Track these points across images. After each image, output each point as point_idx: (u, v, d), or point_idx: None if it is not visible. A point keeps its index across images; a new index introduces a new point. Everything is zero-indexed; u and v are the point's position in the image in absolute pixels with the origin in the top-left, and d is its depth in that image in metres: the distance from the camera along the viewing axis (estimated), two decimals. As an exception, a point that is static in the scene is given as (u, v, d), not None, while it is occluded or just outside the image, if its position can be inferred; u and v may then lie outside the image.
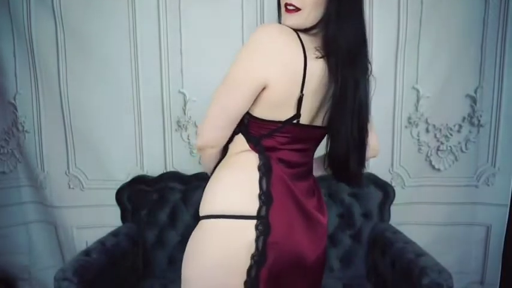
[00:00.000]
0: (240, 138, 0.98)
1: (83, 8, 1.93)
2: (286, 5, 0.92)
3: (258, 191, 0.91)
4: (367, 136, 1.00)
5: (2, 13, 2.01)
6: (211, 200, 0.95)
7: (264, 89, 0.90)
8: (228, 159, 0.99)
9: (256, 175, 0.92)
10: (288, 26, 0.92)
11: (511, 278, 2.05)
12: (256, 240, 0.88)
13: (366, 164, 1.04)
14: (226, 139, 0.98)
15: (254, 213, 0.90)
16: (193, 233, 0.97)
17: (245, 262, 0.89)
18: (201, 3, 1.92)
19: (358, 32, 0.94)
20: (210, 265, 0.90)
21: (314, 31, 0.95)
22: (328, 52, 0.91)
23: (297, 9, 0.91)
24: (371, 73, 0.99)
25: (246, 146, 0.97)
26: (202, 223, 0.95)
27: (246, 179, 0.93)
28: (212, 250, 0.90)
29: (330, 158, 1.01)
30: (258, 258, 0.89)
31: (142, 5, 1.92)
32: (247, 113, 0.95)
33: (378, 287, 1.73)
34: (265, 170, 0.92)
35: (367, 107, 0.99)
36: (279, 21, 0.99)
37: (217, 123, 0.94)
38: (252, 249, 0.89)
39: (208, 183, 0.99)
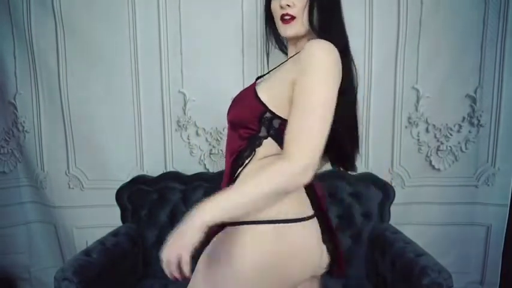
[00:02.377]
0: (269, 143, 0.97)
1: (83, 8, 1.93)
2: (282, 15, 0.98)
3: (300, 192, 0.97)
4: (359, 118, 1.06)
5: (2, 13, 2.01)
6: None
7: None
8: (260, 163, 0.97)
9: None
10: (288, 36, 1.00)
11: (511, 278, 2.05)
12: (327, 232, 0.98)
13: (359, 147, 1.09)
14: None
15: (306, 214, 0.96)
16: (227, 239, 0.94)
17: (301, 261, 0.94)
18: (201, 3, 1.92)
19: (343, 29, 1.01)
20: (268, 267, 0.91)
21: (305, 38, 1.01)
22: None
23: (293, 18, 0.97)
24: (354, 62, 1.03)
25: (276, 149, 0.96)
26: (250, 228, 0.92)
27: None
28: (268, 253, 0.91)
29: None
30: (332, 247, 0.98)
31: (142, 5, 1.92)
32: (278, 117, 0.94)
33: (378, 287, 1.73)
34: None
35: (356, 91, 1.03)
36: (271, 33, 1.09)
37: (317, 148, 0.87)
38: (314, 246, 0.95)
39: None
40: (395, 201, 1.90)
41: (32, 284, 2.26)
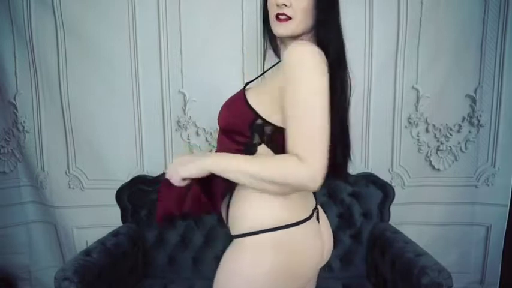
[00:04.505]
0: (265, 150, 0.95)
1: (83, 8, 1.93)
2: (277, 14, 0.94)
3: (298, 196, 0.96)
4: (349, 127, 1.04)
5: (2, 13, 2.01)
6: (260, 215, 0.94)
7: None
8: None
9: None
10: (279, 35, 0.97)
11: (511, 278, 2.05)
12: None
13: (351, 156, 1.06)
14: None
15: (306, 215, 0.96)
16: (238, 252, 0.93)
17: (304, 263, 0.95)
18: (201, 3, 1.92)
19: (341, 34, 0.98)
20: (280, 275, 0.91)
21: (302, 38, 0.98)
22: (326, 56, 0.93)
23: (288, 18, 0.94)
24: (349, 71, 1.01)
25: (272, 155, 0.94)
26: (260, 237, 0.92)
27: (265, 196, 0.95)
28: (279, 260, 0.90)
29: None
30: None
31: (142, 5, 1.93)
32: (270, 124, 0.92)
33: (378, 287, 1.73)
34: None
35: (349, 100, 1.02)
36: (266, 30, 1.05)
37: (324, 147, 0.83)
38: (314, 245, 0.97)
39: (242, 199, 0.96)
40: (395, 201, 1.90)
41: (32, 284, 2.26)
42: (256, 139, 0.94)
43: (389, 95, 1.96)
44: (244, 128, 0.95)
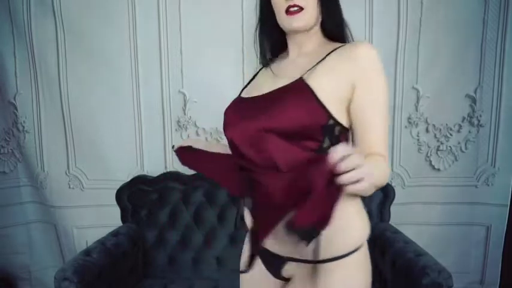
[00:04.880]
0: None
1: (83, 8, 1.93)
2: (289, 7, 0.90)
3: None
4: None
5: (2, 13, 2.01)
6: (351, 234, 0.92)
7: None
8: None
9: None
10: (294, 29, 0.92)
11: (511, 278, 2.05)
12: None
13: None
14: None
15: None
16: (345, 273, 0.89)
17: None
18: (201, 3, 1.92)
19: (344, 22, 0.98)
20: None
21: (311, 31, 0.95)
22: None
23: (301, 9, 0.89)
24: None
25: None
26: (354, 258, 0.91)
27: (360, 201, 0.97)
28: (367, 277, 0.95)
29: None
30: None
31: (142, 5, 1.93)
32: (339, 124, 0.85)
33: (378, 287, 1.73)
34: None
35: None
36: (261, 32, 1.01)
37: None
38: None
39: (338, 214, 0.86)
40: (395, 201, 1.90)
41: (32, 284, 2.26)
42: (327, 142, 0.84)
43: (389, 95, 1.96)
44: (317, 131, 0.83)
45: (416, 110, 1.97)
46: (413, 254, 1.51)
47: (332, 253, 0.86)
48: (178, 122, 2.01)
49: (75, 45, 1.97)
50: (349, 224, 0.90)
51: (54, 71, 2.00)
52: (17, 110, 2.11)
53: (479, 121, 1.95)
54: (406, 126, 1.99)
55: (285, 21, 0.92)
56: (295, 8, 0.89)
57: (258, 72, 1.06)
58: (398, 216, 1.94)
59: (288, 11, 0.90)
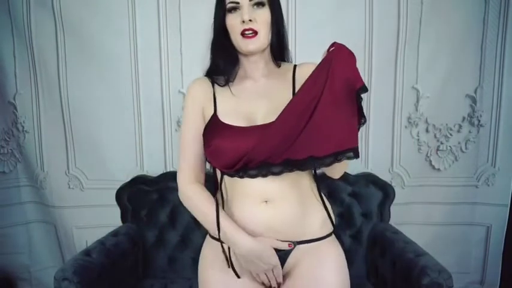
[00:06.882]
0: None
1: (83, 8, 1.93)
2: (244, 31, 0.96)
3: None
4: None
5: (2, 13, 2.01)
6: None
7: None
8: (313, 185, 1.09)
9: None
10: (250, 51, 0.99)
11: (511, 278, 2.05)
12: None
13: None
14: None
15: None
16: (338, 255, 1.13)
17: None
18: (201, 3, 1.92)
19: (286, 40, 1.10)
20: None
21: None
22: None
23: (255, 34, 0.97)
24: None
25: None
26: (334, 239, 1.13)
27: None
28: None
29: None
30: None
31: (142, 5, 1.93)
32: None
33: (378, 287, 1.73)
34: None
35: None
36: (215, 49, 1.05)
37: None
38: None
39: (314, 200, 1.07)
40: (395, 201, 1.90)
41: (32, 284, 2.26)
42: None
43: (389, 95, 1.96)
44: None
45: (416, 110, 1.97)
46: (413, 254, 1.51)
47: (325, 231, 1.08)
48: (178, 122, 2.01)
49: (75, 45, 1.97)
50: (323, 211, 1.10)
51: (54, 71, 2.00)
52: (16, 110, 2.11)
53: (479, 121, 1.95)
54: (406, 126, 1.99)
55: (241, 43, 0.99)
56: (250, 32, 0.96)
57: (214, 93, 1.06)
58: (399, 216, 1.94)
59: (243, 35, 0.97)
